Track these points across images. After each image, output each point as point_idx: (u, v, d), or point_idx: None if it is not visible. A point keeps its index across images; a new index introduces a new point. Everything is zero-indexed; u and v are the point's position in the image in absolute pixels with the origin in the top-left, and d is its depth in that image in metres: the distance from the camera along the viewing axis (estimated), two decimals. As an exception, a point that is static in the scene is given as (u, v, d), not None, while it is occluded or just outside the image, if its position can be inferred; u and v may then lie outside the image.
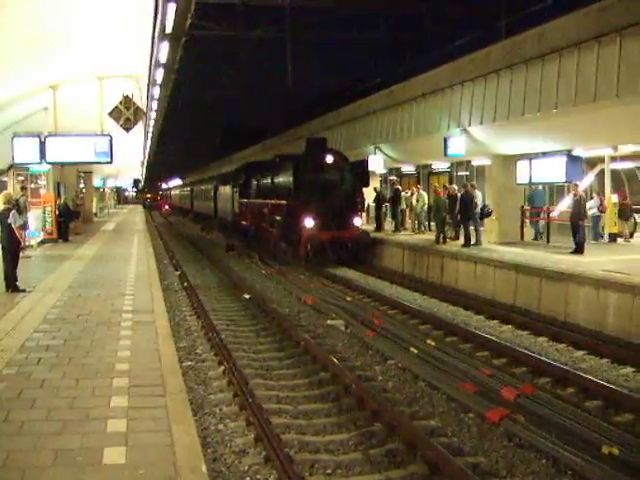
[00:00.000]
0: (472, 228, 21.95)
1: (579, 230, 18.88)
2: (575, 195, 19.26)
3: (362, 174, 26.63)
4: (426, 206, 27.55)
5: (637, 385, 10.26)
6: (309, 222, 23.95)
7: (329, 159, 24.96)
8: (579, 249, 18.63)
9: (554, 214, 24.16)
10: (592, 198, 24.41)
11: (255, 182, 31.50)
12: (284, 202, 25.45)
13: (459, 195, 22.72)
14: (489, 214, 22.36)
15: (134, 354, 8.85)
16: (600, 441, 7.72)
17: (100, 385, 7.50)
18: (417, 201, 27.83)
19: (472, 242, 21.57)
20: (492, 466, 7.35)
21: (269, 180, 28.47)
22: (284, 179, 26.30)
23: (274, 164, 28.62)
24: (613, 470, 7.01)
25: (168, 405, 6.83)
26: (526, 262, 17.16)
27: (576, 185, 19.73)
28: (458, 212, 22.37)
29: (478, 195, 22.49)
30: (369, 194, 29.86)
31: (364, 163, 27.65)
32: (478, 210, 22.10)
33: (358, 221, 25.28)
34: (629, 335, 13.09)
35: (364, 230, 25.60)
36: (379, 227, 29.44)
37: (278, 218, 26.13)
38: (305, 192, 24.54)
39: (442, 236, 23.10)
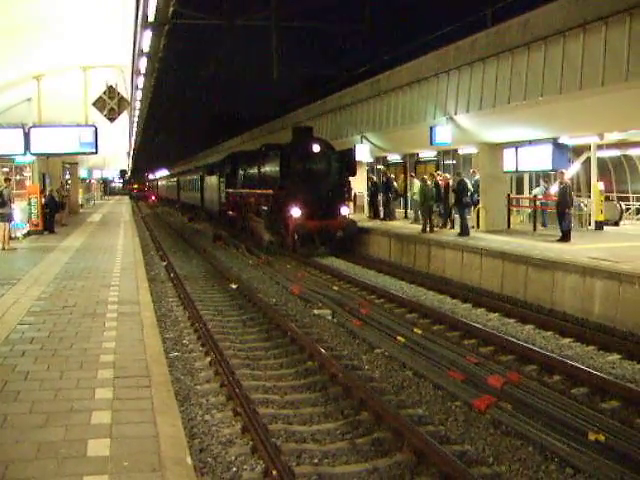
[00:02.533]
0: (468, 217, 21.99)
1: (565, 218, 18.92)
2: (561, 183, 19.28)
3: (349, 163, 26.61)
4: (417, 195, 27.59)
5: (623, 372, 10.29)
6: (296, 211, 23.92)
7: (316, 148, 24.89)
8: (566, 237, 18.67)
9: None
10: (538, 186, 24.64)
11: (242, 172, 31.43)
12: (271, 191, 25.38)
13: (451, 183, 22.73)
14: (469, 205, 22.34)
15: (119, 345, 8.79)
16: (586, 428, 7.73)
17: (85, 377, 7.44)
18: (409, 189, 27.89)
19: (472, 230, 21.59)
20: (479, 454, 7.36)
21: (256, 170, 28.37)
22: (271, 168, 26.20)
23: (261, 153, 28.50)
24: (599, 457, 7.02)
25: (153, 396, 6.78)
26: (514, 250, 17.18)
27: (562, 173, 19.76)
28: (455, 201, 22.33)
29: (468, 183, 22.48)
30: (357, 183, 29.91)
31: (351, 152, 27.76)
32: (474, 198, 22.12)
33: (345, 210, 25.26)
34: (614, 322, 13.15)
35: (351, 219, 25.54)
36: (376, 215, 29.55)
37: (265, 208, 26.10)
38: (292, 181, 24.50)
39: (429, 225, 23.07)
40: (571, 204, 19.43)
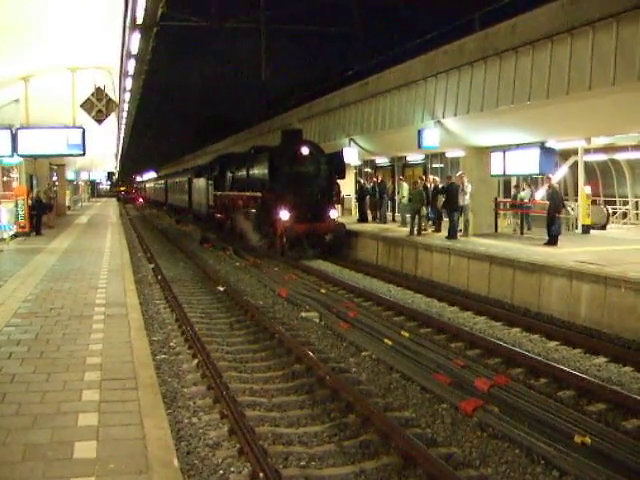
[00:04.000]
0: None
1: (554, 222, 18.96)
2: (549, 188, 19.33)
3: (338, 166, 26.49)
4: (405, 199, 27.63)
5: (609, 375, 10.33)
6: (284, 214, 23.74)
7: (305, 151, 24.71)
8: (553, 241, 18.73)
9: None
10: (524, 189, 24.70)
11: (230, 174, 31.19)
12: (259, 194, 25.24)
13: (440, 186, 22.72)
14: (460, 208, 22.13)
15: (106, 347, 8.76)
16: (573, 430, 7.76)
17: (71, 379, 7.42)
18: (398, 192, 27.83)
19: (459, 233, 21.60)
20: (465, 456, 7.38)
21: (244, 172, 28.20)
22: (259, 171, 26.03)
23: (250, 156, 28.34)
24: (585, 459, 7.05)
25: (140, 398, 6.77)
26: (500, 253, 17.23)
27: (549, 178, 19.82)
28: (445, 203, 22.31)
29: (469, 186, 22.41)
30: (344, 186, 29.91)
31: (340, 155, 27.52)
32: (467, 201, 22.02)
33: (334, 213, 25.14)
34: (601, 325, 13.21)
35: (340, 222, 25.42)
36: (364, 218, 29.58)
37: (253, 210, 25.92)
38: (281, 184, 24.33)
39: (416, 228, 23.10)
40: (561, 208, 19.44)
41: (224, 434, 7.76)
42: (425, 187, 24.21)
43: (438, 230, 23.91)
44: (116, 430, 5.92)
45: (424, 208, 23.61)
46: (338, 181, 26.87)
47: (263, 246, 25.69)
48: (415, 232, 23.03)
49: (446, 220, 22.87)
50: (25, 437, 5.77)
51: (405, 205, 27.40)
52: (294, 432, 8.01)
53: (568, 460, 7.04)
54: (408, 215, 24.99)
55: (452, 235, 21.29)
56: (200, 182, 39.72)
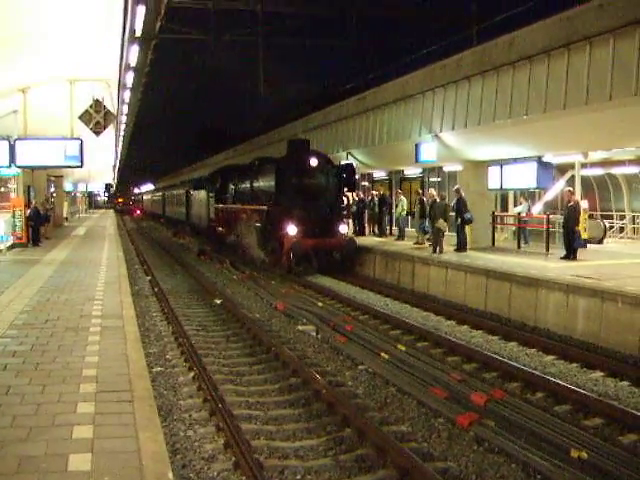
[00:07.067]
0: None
1: (573, 236, 18.83)
2: (569, 202, 19.17)
3: (349, 178, 25.26)
4: (405, 212, 27.62)
5: (606, 389, 10.32)
6: (292, 229, 22.79)
7: (313, 162, 23.78)
8: (572, 255, 18.65)
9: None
10: (521, 203, 24.69)
11: (233, 186, 30.33)
12: (265, 207, 24.25)
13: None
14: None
15: (102, 360, 8.74)
16: (569, 445, 7.74)
17: (67, 391, 7.39)
18: (396, 206, 27.60)
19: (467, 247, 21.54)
20: (462, 471, 7.35)
21: (248, 184, 27.22)
22: (265, 183, 25.14)
23: (253, 167, 27.33)
24: (582, 474, 7.03)
25: (136, 411, 6.74)
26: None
27: (570, 192, 19.67)
28: (456, 216, 21.87)
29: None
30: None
31: (350, 166, 26.28)
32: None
33: (344, 228, 24.32)
34: (598, 340, 13.21)
35: (350, 237, 24.60)
36: (361, 231, 29.48)
37: (258, 224, 24.87)
38: (288, 197, 23.49)
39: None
40: (578, 222, 19.24)
41: (220, 447, 7.73)
42: (421, 201, 24.20)
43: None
44: (111, 443, 5.90)
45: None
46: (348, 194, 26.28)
47: (268, 262, 24.88)
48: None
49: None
50: (20, 449, 5.74)
51: (402, 218, 27.45)
52: (290, 445, 7.97)
53: (564, 475, 7.02)
54: (425, 232, 23.83)
55: (462, 248, 21.24)
56: (200, 195, 39.17)
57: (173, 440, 7.89)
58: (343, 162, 28.04)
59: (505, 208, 27.44)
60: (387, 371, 11.10)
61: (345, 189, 25.79)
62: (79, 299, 13.77)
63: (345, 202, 26.66)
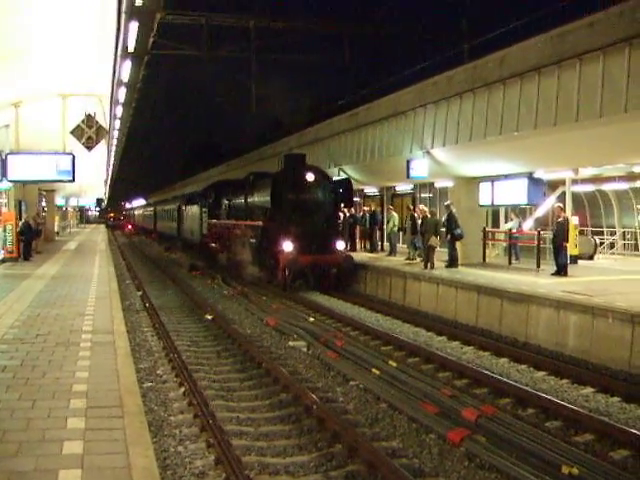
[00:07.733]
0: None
1: (561, 252, 18.91)
2: (559, 217, 19.26)
3: (345, 193, 24.75)
4: (396, 228, 27.65)
5: (597, 405, 10.33)
6: (288, 245, 22.34)
7: (310, 177, 23.52)
8: (562, 271, 18.72)
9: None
10: (512, 219, 24.77)
11: (227, 201, 29.96)
12: (260, 223, 23.99)
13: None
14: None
15: (92, 375, 8.71)
16: (560, 461, 7.73)
17: (57, 406, 7.36)
18: (388, 222, 27.56)
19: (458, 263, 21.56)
20: (453, 487, 7.35)
21: (242, 200, 26.81)
22: (260, 198, 24.59)
23: (248, 182, 26.88)
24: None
25: (126, 427, 6.72)
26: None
27: (560, 208, 19.77)
28: (446, 232, 21.90)
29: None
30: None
31: (347, 181, 25.65)
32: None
33: (341, 244, 23.84)
34: (588, 356, 13.23)
35: (348, 254, 24.14)
36: (352, 247, 29.35)
37: (253, 240, 24.55)
38: (284, 212, 23.05)
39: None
40: (567, 238, 19.32)
41: (210, 463, 7.70)
42: (412, 217, 24.23)
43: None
44: (101, 458, 5.87)
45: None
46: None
47: (263, 278, 24.51)
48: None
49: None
50: (9, 464, 5.71)
51: (393, 234, 27.50)
52: (281, 461, 7.95)
53: (555, 491, 7.02)
54: (416, 247, 23.95)
55: (453, 264, 21.28)
56: (192, 210, 38.88)
57: (163, 456, 7.84)
58: (335, 178, 27.87)
59: (496, 224, 27.50)
60: (378, 387, 11.08)
61: (342, 205, 25.57)
62: (70, 314, 13.73)
63: (341, 218, 26.48)
